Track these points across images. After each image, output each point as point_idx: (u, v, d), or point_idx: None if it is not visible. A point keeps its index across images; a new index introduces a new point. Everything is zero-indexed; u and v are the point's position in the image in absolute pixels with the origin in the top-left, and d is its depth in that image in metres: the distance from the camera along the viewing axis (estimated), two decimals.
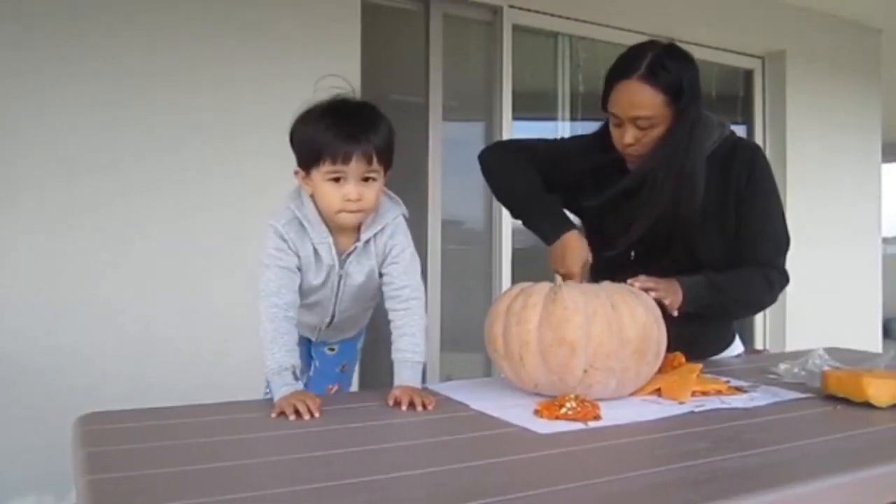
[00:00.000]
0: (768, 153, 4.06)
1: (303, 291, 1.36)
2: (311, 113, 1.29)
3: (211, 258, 2.67)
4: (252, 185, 2.69)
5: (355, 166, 1.24)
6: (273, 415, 1.15)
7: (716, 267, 1.56)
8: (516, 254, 3.47)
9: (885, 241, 5.18)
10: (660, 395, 1.30)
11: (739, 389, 1.35)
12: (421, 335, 1.33)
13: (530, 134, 3.76)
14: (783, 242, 1.62)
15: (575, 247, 1.51)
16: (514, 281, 2.92)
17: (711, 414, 1.19)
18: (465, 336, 3.38)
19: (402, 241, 1.35)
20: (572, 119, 3.83)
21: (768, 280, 1.58)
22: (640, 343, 1.23)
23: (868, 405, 1.21)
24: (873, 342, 4.59)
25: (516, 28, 3.53)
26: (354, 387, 1.67)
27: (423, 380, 1.32)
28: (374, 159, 1.25)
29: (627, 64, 1.49)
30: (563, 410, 1.14)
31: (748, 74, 4.44)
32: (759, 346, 4.29)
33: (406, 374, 1.29)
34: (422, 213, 3.25)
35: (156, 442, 1.02)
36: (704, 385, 1.33)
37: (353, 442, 1.04)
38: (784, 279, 1.61)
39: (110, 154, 2.54)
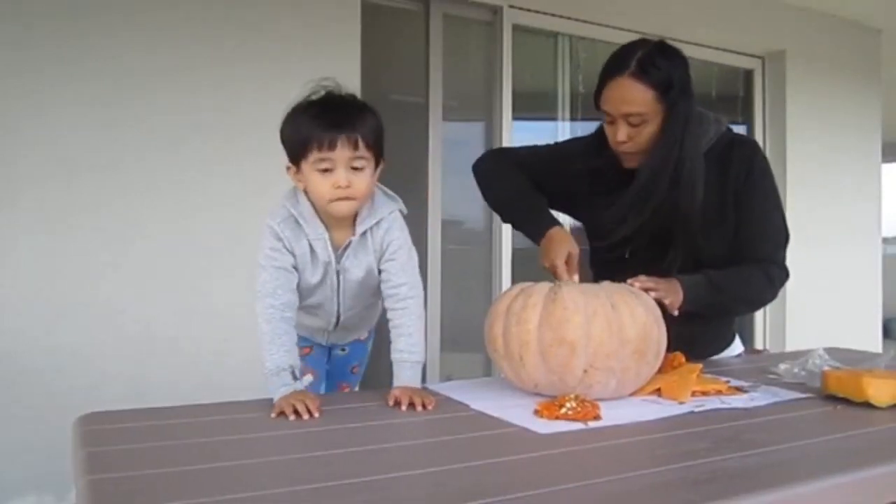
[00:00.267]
0: (768, 153, 4.07)
1: (301, 291, 1.36)
2: (296, 108, 1.30)
3: (211, 258, 2.67)
4: (252, 185, 2.69)
5: (341, 153, 1.24)
6: (273, 415, 1.15)
7: (716, 264, 1.56)
8: (516, 254, 3.47)
9: (885, 241, 5.18)
10: (660, 395, 1.30)
11: (739, 389, 1.35)
12: (419, 334, 1.33)
13: (530, 134, 3.76)
14: (782, 238, 1.63)
15: (557, 239, 1.51)
16: (514, 281, 2.92)
17: (711, 414, 1.19)
18: (465, 336, 3.38)
19: (398, 236, 1.35)
20: (572, 119, 3.83)
21: (768, 276, 1.58)
22: (640, 343, 1.23)
23: (868, 405, 1.21)
24: (873, 342, 4.59)
25: (516, 28, 3.53)
26: (354, 387, 1.66)
27: (423, 380, 1.32)
28: (361, 145, 1.26)
29: (618, 62, 1.51)
30: (563, 410, 1.14)
31: (748, 74, 4.44)
32: (759, 346, 4.29)
33: (405, 375, 1.29)
34: (422, 213, 3.25)
35: (156, 442, 1.02)
36: (704, 385, 1.33)
37: (353, 442, 1.04)
38: (784, 275, 1.61)
39: (110, 154, 2.54)
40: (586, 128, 3.60)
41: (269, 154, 2.91)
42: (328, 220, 1.32)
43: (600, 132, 1.64)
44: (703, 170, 1.54)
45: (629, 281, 1.38)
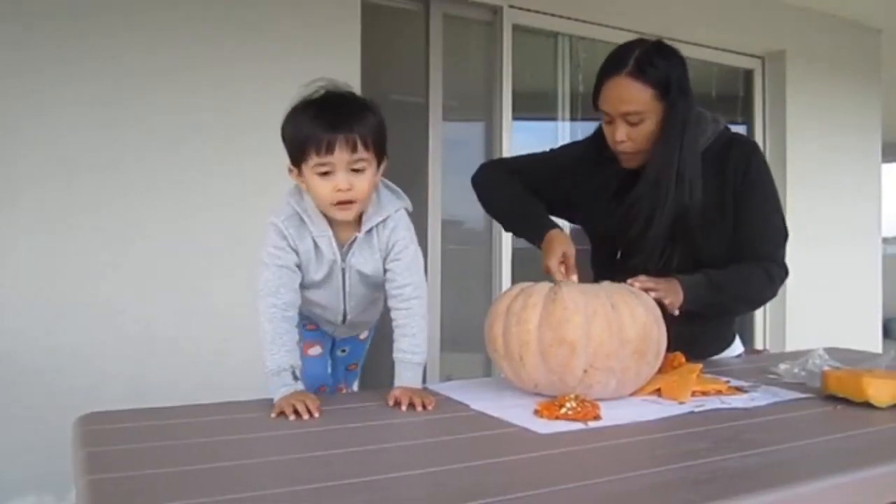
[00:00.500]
0: (768, 153, 4.08)
1: (306, 287, 1.35)
2: (295, 108, 1.28)
3: (211, 258, 2.67)
4: (252, 185, 2.69)
5: (340, 156, 1.22)
6: (273, 415, 1.15)
7: (716, 263, 1.56)
8: (516, 254, 3.47)
9: (885, 241, 5.18)
10: (660, 395, 1.30)
11: (739, 389, 1.35)
12: (422, 335, 1.32)
13: (530, 134, 3.76)
14: (781, 236, 1.63)
15: (553, 240, 1.51)
16: (514, 281, 2.92)
17: (711, 414, 1.19)
18: (465, 336, 3.38)
19: (404, 236, 1.33)
20: (572, 119, 3.84)
21: (768, 274, 1.59)
22: (640, 343, 1.23)
23: (868, 405, 1.21)
24: (873, 342, 4.59)
25: (516, 28, 3.53)
26: (354, 387, 1.66)
27: (424, 380, 1.32)
28: (360, 147, 1.23)
29: (616, 61, 1.51)
30: (563, 410, 1.14)
31: (748, 74, 4.44)
32: (759, 346, 4.29)
33: (406, 375, 1.29)
34: (422, 213, 3.25)
35: (156, 442, 1.02)
36: (704, 385, 1.33)
37: (353, 442, 1.04)
38: (784, 272, 1.61)
39: (110, 154, 2.54)
40: (586, 128, 3.61)
41: (269, 154, 2.90)
42: (332, 218, 1.31)
43: (598, 134, 1.64)
44: (701, 169, 1.54)
45: (629, 281, 1.38)
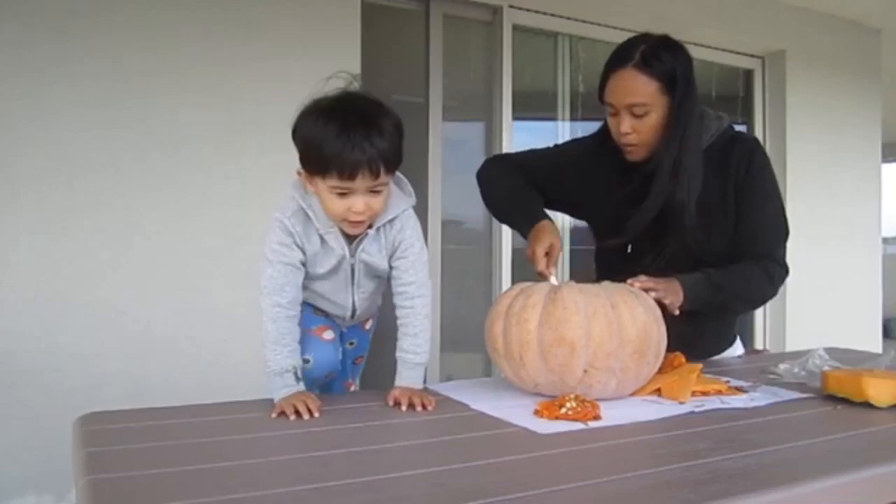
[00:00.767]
0: (768, 153, 4.06)
1: (311, 280, 1.32)
2: (315, 112, 1.21)
3: (211, 258, 2.67)
4: (252, 185, 2.69)
5: (361, 182, 1.18)
6: (273, 415, 1.15)
7: (718, 261, 1.56)
8: (516, 254, 3.47)
9: (885, 241, 5.18)
10: (660, 395, 1.30)
11: (739, 389, 1.35)
12: (425, 335, 1.32)
13: (530, 134, 3.76)
14: (782, 235, 1.63)
15: (542, 230, 1.52)
16: (514, 281, 2.92)
17: (711, 414, 1.19)
18: (465, 336, 3.38)
19: (410, 235, 1.32)
20: (572, 119, 3.83)
21: (768, 273, 1.59)
22: (640, 343, 1.23)
23: (868, 405, 1.21)
24: (873, 342, 4.59)
25: (516, 28, 3.53)
26: (356, 379, 1.66)
27: (424, 380, 1.32)
28: (383, 172, 1.19)
29: (622, 54, 1.52)
30: (563, 410, 1.14)
31: (748, 74, 4.44)
32: (759, 346, 4.29)
33: (408, 374, 1.29)
34: (422, 213, 3.23)
35: (156, 442, 1.02)
36: (704, 385, 1.33)
37: (353, 442, 1.04)
38: (783, 271, 1.62)
39: (110, 154, 2.54)
40: (586, 128, 3.60)
41: (269, 154, 2.91)
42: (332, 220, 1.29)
43: (602, 130, 1.64)
44: (701, 165, 1.55)
45: (629, 281, 1.38)
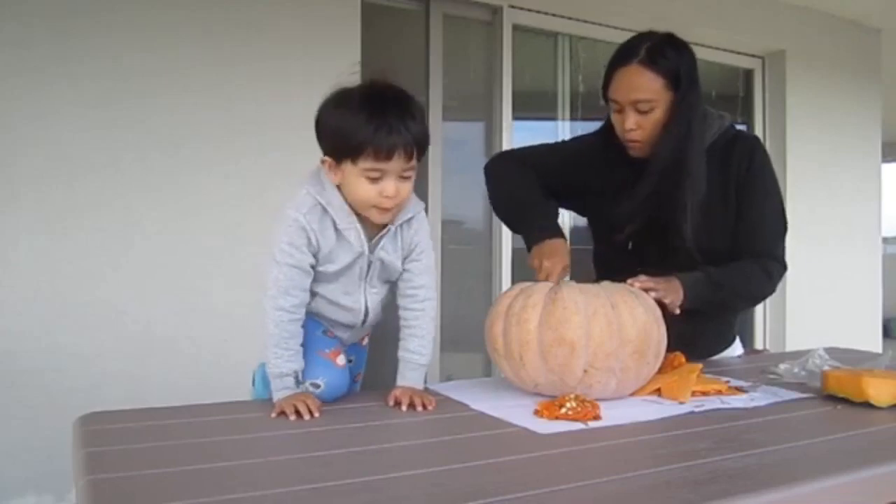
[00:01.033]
0: (768, 153, 4.06)
1: (320, 285, 1.29)
2: (345, 100, 1.20)
3: (211, 258, 2.67)
4: (252, 185, 2.69)
5: (396, 164, 1.18)
6: (273, 415, 1.15)
7: (720, 259, 1.56)
8: (516, 254, 3.47)
9: (885, 241, 5.18)
10: (660, 395, 1.30)
11: (739, 389, 1.35)
12: (430, 338, 1.32)
13: (530, 134, 3.76)
14: (781, 232, 1.64)
15: (560, 250, 1.50)
16: (514, 281, 2.92)
17: (711, 414, 1.19)
18: (465, 336, 3.38)
19: (424, 237, 1.33)
20: (572, 119, 3.83)
21: (767, 271, 1.59)
22: (640, 343, 1.23)
23: (868, 405, 1.21)
24: (873, 342, 4.59)
25: (516, 28, 3.53)
26: None
27: (424, 380, 1.32)
28: (414, 156, 1.20)
29: (627, 51, 1.53)
30: (563, 410, 1.14)
31: (748, 74, 4.44)
32: (759, 346, 4.29)
33: (409, 375, 1.29)
34: None
35: (156, 442, 1.02)
36: (704, 385, 1.33)
37: (353, 442, 1.04)
38: (782, 269, 1.62)
39: (110, 154, 2.54)
40: (586, 127, 3.59)
41: (269, 154, 2.92)
42: (366, 216, 1.26)
43: (605, 127, 1.64)
44: (705, 162, 1.55)
45: (629, 281, 1.38)
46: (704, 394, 1.30)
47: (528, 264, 1.52)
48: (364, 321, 1.36)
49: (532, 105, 3.79)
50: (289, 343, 1.22)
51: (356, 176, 1.20)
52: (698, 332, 1.57)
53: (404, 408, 1.21)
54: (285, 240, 1.22)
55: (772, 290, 1.63)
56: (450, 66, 3.41)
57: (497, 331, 1.29)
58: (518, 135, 3.53)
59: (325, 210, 1.23)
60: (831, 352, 1.53)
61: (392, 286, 1.36)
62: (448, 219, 3.38)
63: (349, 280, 1.30)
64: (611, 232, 1.66)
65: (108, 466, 0.91)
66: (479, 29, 3.55)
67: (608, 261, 1.70)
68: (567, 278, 1.47)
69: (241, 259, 2.64)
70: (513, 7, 3.49)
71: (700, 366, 1.41)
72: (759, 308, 4.28)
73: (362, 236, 1.26)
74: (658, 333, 1.28)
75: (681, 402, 1.25)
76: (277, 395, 1.20)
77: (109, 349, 2.49)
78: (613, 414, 1.16)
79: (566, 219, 3.19)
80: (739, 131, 1.69)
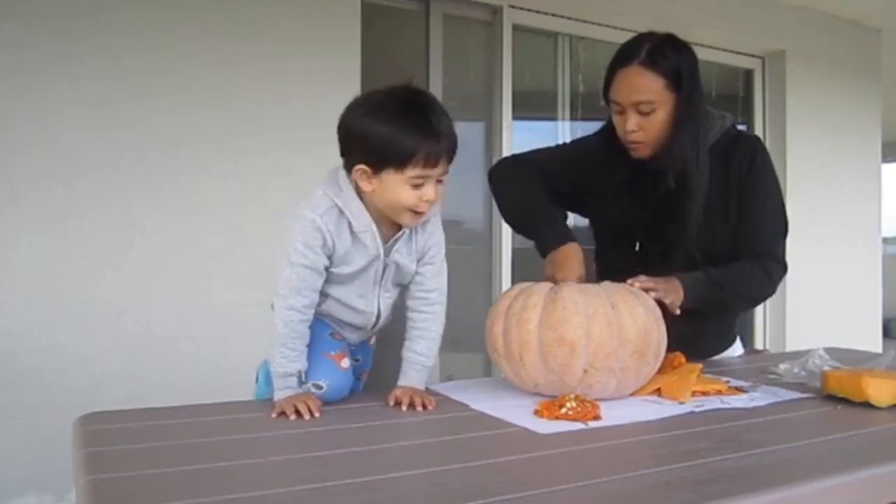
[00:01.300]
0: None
1: (333, 287, 1.29)
2: (381, 107, 1.19)
3: (211, 258, 2.67)
4: (252, 185, 2.69)
5: (440, 170, 1.20)
6: (273, 415, 1.15)
7: (722, 259, 1.56)
8: (516, 254, 3.47)
9: (885, 241, 5.18)
10: (660, 395, 1.30)
11: (739, 389, 1.35)
12: (437, 340, 1.32)
13: (530, 134, 3.76)
14: (781, 232, 1.64)
15: (575, 256, 1.50)
16: (514, 281, 2.92)
17: (711, 414, 1.19)
18: (465, 336, 3.37)
19: (439, 241, 1.33)
20: (572, 119, 3.83)
21: (767, 271, 1.59)
22: (640, 343, 1.23)
23: (868, 405, 1.21)
24: (873, 342, 4.59)
25: (516, 28, 3.53)
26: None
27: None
28: (452, 160, 1.22)
29: (628, 52, 1.53)
30: (563, 410, 1.14)
31: (748, 74, 4.44)
32: (759, 346, 4.29)
33: (412, 375, 1.29)
34: None
35: (155, 442, 1.02)
36: (704, 385, 1.33)
37: (353, 442, 1.04)
38: (782, 269, 1.62)
39: (110, 154, 2.54)
40: (586, 128, 3.60)
41: (269, 154, 2.91)
42: (374, 212, 1.25)
43: (606, 128, 1.64)
44: (707, 163, 1.55)
45: (629, 281, 1.38)
46: (704, 394, 1.30)
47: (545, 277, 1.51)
48: (375, 324, 1.36)
49: (532, 105, 3.79)
50: (295, 343, 1.22)
51: (400, 184, 1.19)
52: (698, 332, 1.57)
53: (404, 408, 1.21)
54: (300, 240, 1.22)
55: (772, 291, 1.63)
56: (450, 66, 3.41)
57: (497, 331, 1.29)
58: (518, 135, 3.53)
59: (341, 212, 1.23)
60: (831, 352, 1.53)
61: (403, 289, 1.36)
62: (448, 219, 3.33)
63: (364, 283, 1.30)
64: (612, 233, 1.66)
65: (108, 466, 0.91)
66: (479, 29, 3.55)
67: (610, 261, 1.70)
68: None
69: (241, 259, 2.64)
70: (513, 7, 3.49)
71: (700, 366, 1.41)
72: (759, 308, 4.28)
73: (378, 239, 1.26)
74: (658, 333, 1.28)
75: (681, 402, 1.25)
76: (279, 395, 1.20)
77: (109, 349, 2.49)
78: (613, 414, 1.16)
79: (568, 219, 3.20)
80: (741, 131, 1.69)
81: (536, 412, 1.16)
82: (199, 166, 2.67)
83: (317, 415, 1.15)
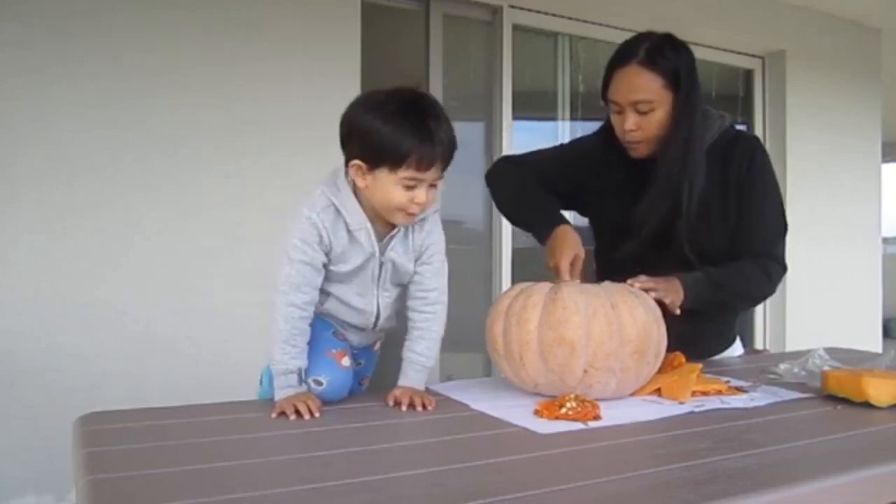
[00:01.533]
0: (768, 153, 4.07)
1: (330, 282, 1.29)
2: (382, 106, 1.20)
3: (211, 258, 2.67)
4: (252, 185, 2.69)
5: (433, 174, 1.21)
6: (273, 415, 1.15)
7: (719, 258, 1.56)
8: (516, 254, 3.47)
9: (885, 241, 5.18)
10: (660, 395, 1.30)
11: (739, 389, 1.35)
12: (438, 341, 1.32)
13: (530, 134, 3.76)
14: (781, 232, 1.64)
15: (565, 238, 1.50)
16: (514, 281, 2.92)
17: (711, 414, 1.19)
18: (465, 336, 3.37)
19: (437, 240, 1.33)
20: (572, 119, 3.83)
21: (766, 271, 1.60)
22: (640, 343, 1.23)
23: (868, 405, 1.21)
24: (873, 342, 4.59)
25: (516, 28, 3.53)
26: None
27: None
28: (446, 166, 1.23)
29: (626, 52, 1.53)
30: (563, 410, 1.14)
31: (748, 74, 4.44)
32: (759, 346, 4.29)
33: (412, 376, 1.29)
34: None
35: (155, 442, 1.02)
36: (704, 385, 1.33)
37: (353, 442, 1.04)
38: (781, 269, 1.62)
39: (110, 154, 2.54)
40: (586, 128, 3.60)
41: (269, 154, 2.91)
42: (370, 212, 1.26)
43: (604, 128, 1.64)
44: (705, 162, 1.55)
45: (629, 281, 1.38)
46: (704, 394, 1.30)
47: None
48: (375, 324, 1.36)
49: (532, 105, 3.79)
50: (296, 340, 1.22)
51: (392, 183, 1.20)
52: (698, 332, 1.57)
53: (404, 408, 1.21)
54: (298, 237, 1.23)
55: (772, 291, 1.63)
56: (450, 66, 3.41)
57: (497, 331, 1.29)
58: (518, 135, 3.53)
59: (338, 211, 1.25)
60: (831, 352, 1.53)
61: (404, 290, 1.36)
62: (448, 219, 3.33)
63: (362, 282, 1.31)
64: (612, 233, 1.65)
65: (108, 466, 0.91)
66: (479, 29, 3.55)
67: (610, 261, 1.70)
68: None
69: (241, 259, 2.64)
70: (513, 7, 3.49)
71: (700, 366, 1.41)
72: (759, 308, 4.28)
73: (372, 237, 1.27)
74: (658, 333, 1.28)
75: (681, 402, 1.25)
76: (279, 394, 1.19)
77: (109, 349, 2.49)
78: (613, 414, 1.16)
79: (568, 219, 3.19)
80: (740, 131, 1.69)
81: (536, 412, 1.16)
82: (199, 166, 2.67)
83: (317, 415, 1.15)
